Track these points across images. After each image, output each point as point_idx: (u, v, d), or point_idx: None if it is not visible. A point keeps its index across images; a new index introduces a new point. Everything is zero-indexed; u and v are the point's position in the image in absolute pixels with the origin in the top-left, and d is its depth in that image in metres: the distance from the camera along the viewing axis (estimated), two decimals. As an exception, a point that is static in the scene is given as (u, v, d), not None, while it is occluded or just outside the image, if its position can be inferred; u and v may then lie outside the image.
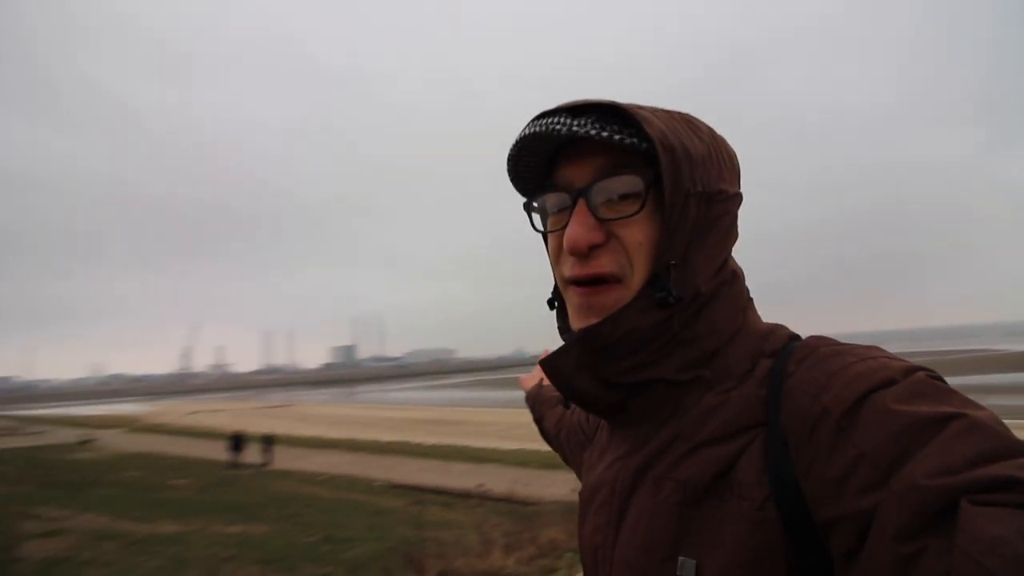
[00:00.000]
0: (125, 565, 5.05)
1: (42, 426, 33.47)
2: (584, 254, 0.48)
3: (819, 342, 0.47)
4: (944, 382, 0.40)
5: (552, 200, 0.53)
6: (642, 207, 0.47)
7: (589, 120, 0.47)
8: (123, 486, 11.97)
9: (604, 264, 0.48)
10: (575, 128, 0.46)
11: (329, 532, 7.09)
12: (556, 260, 0.54)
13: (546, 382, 1.14)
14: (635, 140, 0.46)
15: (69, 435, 25.92)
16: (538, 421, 1.10)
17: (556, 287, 0.57)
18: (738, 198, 0.53)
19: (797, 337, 0.52)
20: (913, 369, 0.40)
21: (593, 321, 0.48)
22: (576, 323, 0.51)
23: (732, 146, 0.55)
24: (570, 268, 0.50)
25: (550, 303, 0.59)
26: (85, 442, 22.98)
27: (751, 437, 0.44)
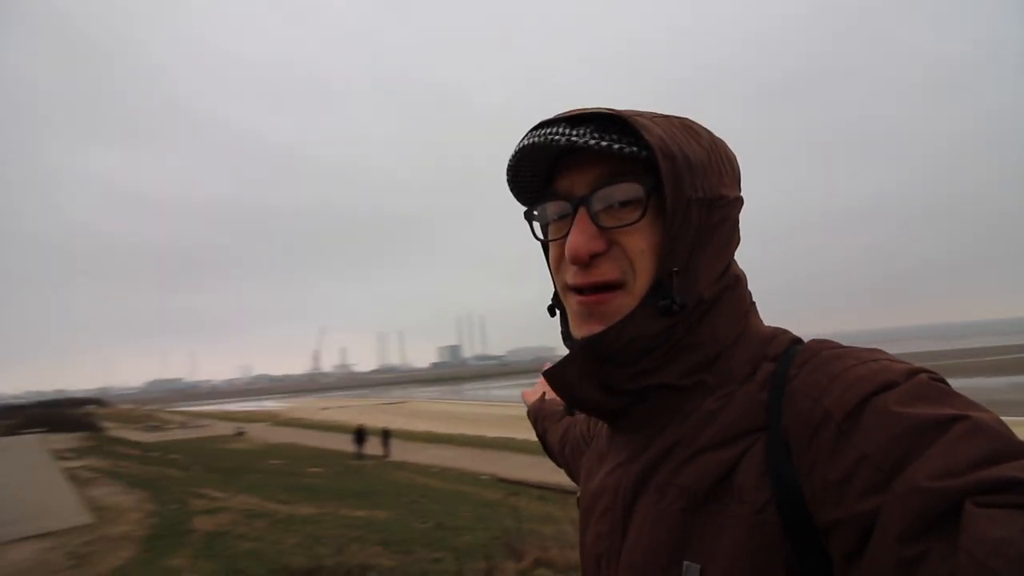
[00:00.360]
0: (272, 540, 5.81)
1: (205, 420, 39.01)
2: (586, 262, 0.48)
3: (821, 345, 0.47)
4: (947, 384, 0.39)
5: (552, 209, 0.53)
6: (643, 214, 0.47)
7: (588, 129, 0.47)
8: (269, 472, 13.66)
9: (606, 272, 0.48)
10: (574, 138, 0.46)
11: (441, 520, 7.56)
12: (557, 268, 0.54)
13: (549, 395, 1.12)
14: (634, 148, 0.46)
15: (226, 428, 29.98)
16: (541, 436, 1.07)
17: (556, 294, 0.58)
18: (739, 202, 0.52)
19: (800, 341, 0.50)
20: (915, 371, 0.39)
21: (596, 329, 0.48)
22: (578, 331, 0.51)
23: (732, 150, 0.54)
24: (572, 276, 0.50)
25: (550, 310, 0.59)
26: (238, 434, 26.47)
27: (752, 441, 0.43)
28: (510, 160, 0.53)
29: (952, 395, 0.37)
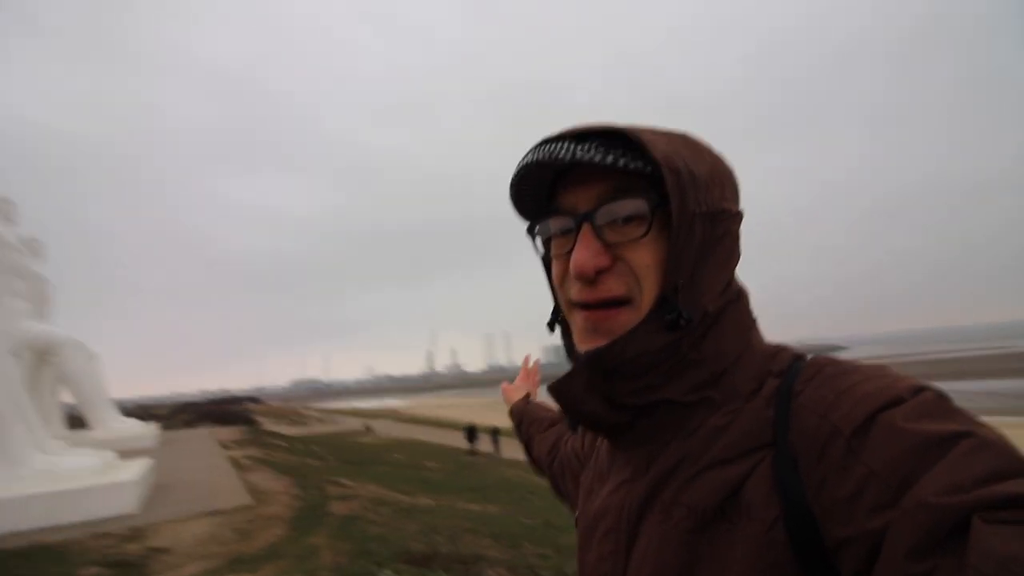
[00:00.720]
0: (395, 526, 6.35)
1: (338, 417, 43.05)
2: (591, 278, 0.48)
3: (826, 361, 0.46)
4: (951, 401, 0.39)
5: (555, 224, 0.52)
6: (648, 229, 0.47)
7: (592, 145, 0.46)
8: (392, 465, 14.79)
9: (612, 288, 0.48)
10: (579, 154, 0.46)
11: (547, 518, 7.70)
12: (560, 284, 0.53)
13: (534, 398, 1.10)
14: (639, 164, 0.46)
15: (355, 424, 32.90)
16: (525, 443, 1.02)
17: (555, 310, 0.58)
18: (739, 216, 0.52)
19: (802, 357, 0.50)
20: (920, 388, 0.39)
21: (601, 343, 0.48)
22: (583, 345, 0.51)
23: (730, 164, 0.54)
24: (577, 292, 0.50)
25: (550, 326, 0.59)
26: (366, 430, 28.93)
27: (759, 457, 0.43)
28: (513, 176, 0.52)
29: (957, 412, 0.37)
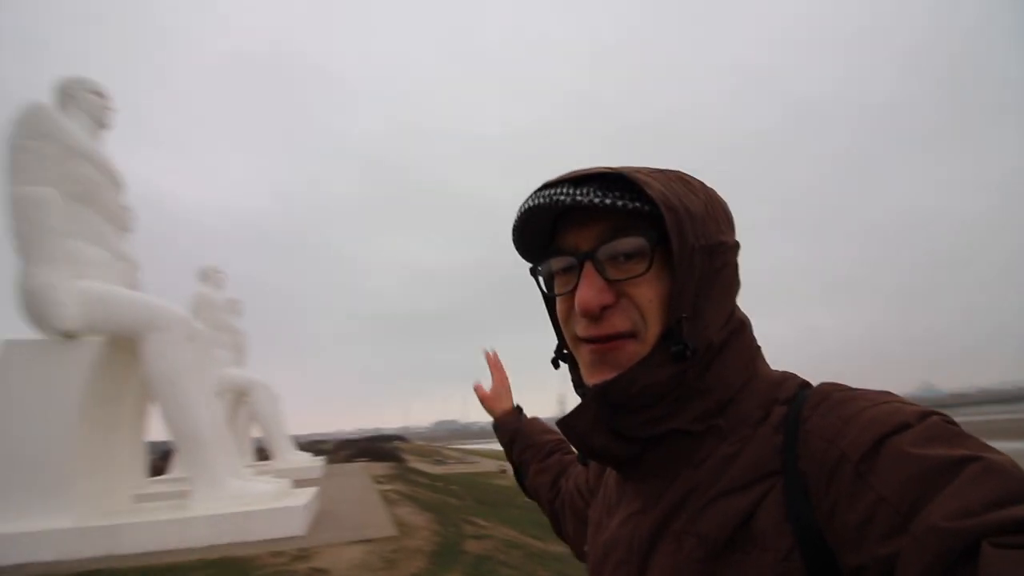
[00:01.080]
0: (526, 570, 6.36)
1: (475, 457, 44.41)
2: (596, 315, 0.50)
3: (832, 388, 0.47)
4: (957, 426, 0.39)
5: (558, 264, 0.55)
6: (650, 266, 0.49)
7: (591, 189, 0.49)
8: (524, 508, 14.79)
9: (617, 324, 0.50)
10: (579, 198, 0.48)
11: None
12: (565, 321, 0.56)
13: (531, 414, 1.06)
14: (637, 204, 0.48)
15: (490, 465, 33.59)
16: (517, 466, 0.97)
17: (559, 346, 0.61)
18: (736, 247, 0.54)
19: (808, 384, 0.51)
20: (927, 414, 0.39)
21: (608, 376, 0.49)
22: (590, 378, 0.52)
23: (723, 197, 0.56)
24: (583, 328, 0.52)
25: (554, 362, 0.61)
26: (500, 471, 29.41)
27: (769, 485, 0.43)
28: (516, 221, 0.55)
29: (964, 437, 0.37)
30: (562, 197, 0.49)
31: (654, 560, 0.48)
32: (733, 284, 0.53)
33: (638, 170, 0.50)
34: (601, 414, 0.50)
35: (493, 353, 1.13)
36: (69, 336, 7.27)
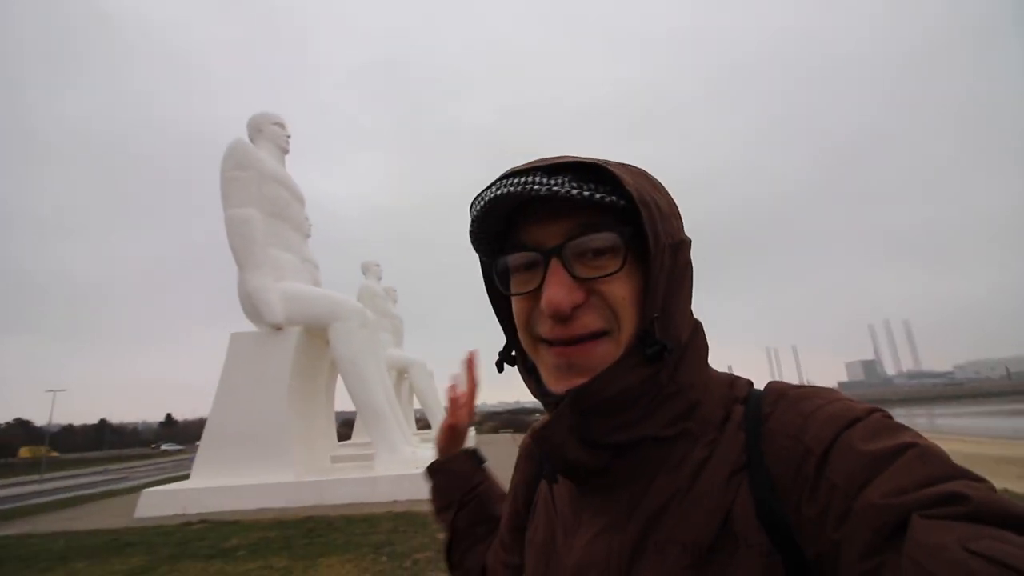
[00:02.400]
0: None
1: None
2: (567, 316, 0.46)
3: (785, 386, 0.48)
4: (894, 420, 0.42)
5: (519, 260, 0.50)
6: (624, 263, 0.46)
7: (566, 179, 0.45)
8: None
9: (588, 324, 0.46)
10: (554, 188, 0.45)
11: None
12: (525, 322, 0.50)
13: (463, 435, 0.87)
14: (614, 198, 0.45)
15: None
16: (455, 536, 0.78)
17: (507, 347, 0.56)
18: (690, 244, 0.52)
19: (752, 382, 0.52)
20: (873, 410, 0.42)
21: (578, 382, 0.46)
22: (557, 385, 0.48)
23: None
24: (550, 330, 0.47)
25: (499, 365, 0.57)
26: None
27: (738, 482, 0.43)
28: (478, 210, 0.49)
29: (904, 429, 0.40)
30: (536, 187, 0.45)
31: (638, 574, 0.44)
32: (691, 282, 0.52)
33: (608, 162, 0.47)
34: (574, 422, 0.46)
35: (470, 356, 0.86)
36: (277, 328, 8.96)
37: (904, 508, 0.33)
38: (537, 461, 0.64)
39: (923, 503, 0.33)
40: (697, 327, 0.52)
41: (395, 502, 7.59)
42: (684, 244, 0.50)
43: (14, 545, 6.44)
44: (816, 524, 0.38)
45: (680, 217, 0.52)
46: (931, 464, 0.36)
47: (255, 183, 9.35)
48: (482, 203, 0.49)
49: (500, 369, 0.57)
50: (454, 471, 0.83)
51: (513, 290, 0.51)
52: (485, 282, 0.57)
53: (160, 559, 5.00)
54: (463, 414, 0.86)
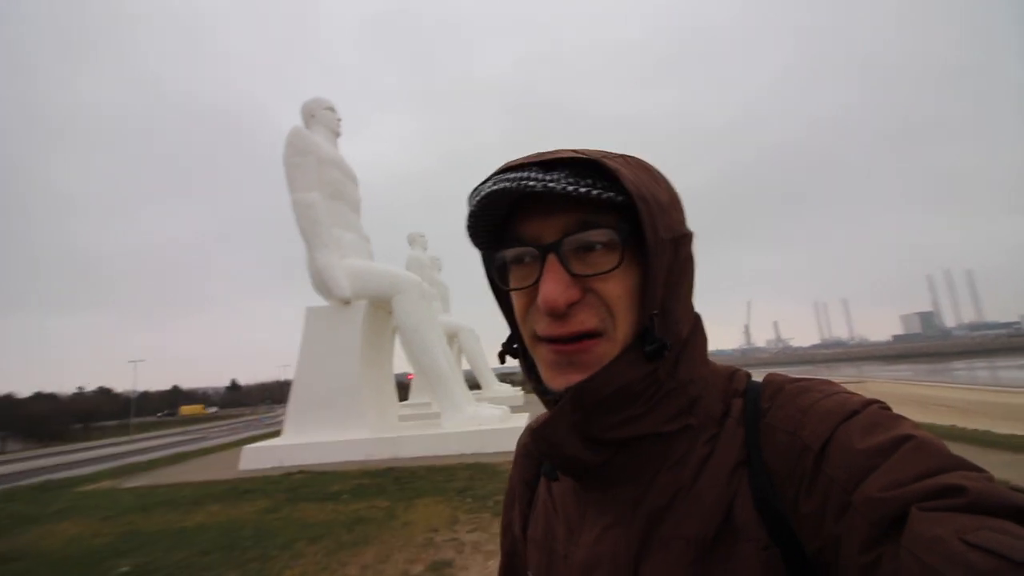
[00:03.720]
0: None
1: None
2: (563, 312, 0.45)
3: (783, 379, 0.49)
4: (892, 411, 0.42)
5: (516, 255, 0.49)
6: (621, 260, 0.45)
7: (562, 175, 0.45)
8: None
9: (584, 321, 0.46)
10: (550, 184, 0.44)
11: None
12: (523, 318, 0.50)
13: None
14: (611, 194, 0.45)
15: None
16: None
17: (510, 341, 0.56)
18: (692, 237, 0.51)
19: (750, 375, 0.52)
20: (870, 402, 0.42)
21: (576, 379, 0.46)
22: (555, 382, 0.48)
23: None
24: (546, 327, 0.47)
25: (501, 356, 0.57)
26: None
27: (739, 477, 0.44)
28: (475, 205, 0.49)
29: (901, 420, 0.40)
30: (532, 183, 0.45)
31: (645, 571, 0.45)
32: (693, 276, 0.52)
33: (607, 155, 0.47)
34: (575, 419, 0.46)
35: None
36: (345, 302, 9.77)
37: (902, 501, 0.34)
38: (535, 459, 0.63)
39: (921, 495, 0.33)
40: (697, 321, 0.52)
41: (462, 455, 8.37)
42: (686, 238, 0.50)
43: (149, 493, 7.63)
44: (815, 519, 0.38)
45: (682, 210, 0.51)
46: (928, 456, 0.36)
47: (315, 168, 10.00)
48: (478, 198, 0.48)
49: (502, 360, 0.58)
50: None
51: (512, 285, 0.51)
52: (487, 274, 0.56)
53: (280, 502, 5.92)
54: None
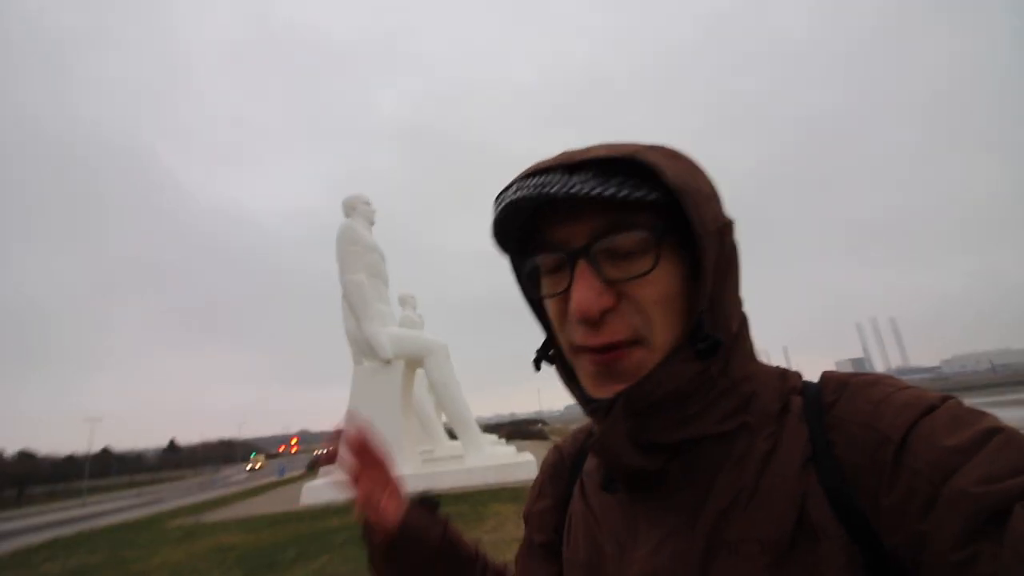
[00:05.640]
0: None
1: (616, 437, 47.45)
2: (596, 320, 0.43)
3: (846, 375, 0.46)
4: (968, 406, 0.40)
5: (546, 261, 0.47)
6: (656, 263, 0.43)
7: (587, 176, 0.42)
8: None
9: (618, 330, 0.43)
10: (573, 189, 0.41)
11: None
12: (560, 326, 0.48)
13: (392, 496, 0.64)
14: (641, 193, 0.42)
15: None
16: None
17: (544, 348, 0.52)
18: (734, 224, 0.48)
19: (802, 375, 0.50)
20: (946, 397, 0.40)
21: (619, 388, 0.44)
22: (598, 391, 0.46)
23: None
24: (581, 336, 0.45)
25: (536, 363, 0.53)
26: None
27: (808, 474, 0.41)
28: (499, 212, 0.47)
29: (983, 414, 0.38)
30: (553, 188, 0.42)
31: None
32: (739, 265, 0.48)
33: (641, 149, 0.44)
34: (628, 426, 0.44)
35: (358, 432, 0.64)
36: (387, 362, 12.14)
37: (1002, 496, 0.32)
38: (566, 480, 0.60)
39: (1019, 492, 0.32)
40: (744, 317, 0.49)
41: (486, 485, 10.61)
42: (728, 226, 0.47)
43: (247, 519, 9.47)
44: (897, 513, 0.36)
45: (720, 197, 0.48)
46: (1021, 450, 0.34)
47: (361, 254, 12.57)
48: (500, 206, 0.46)
49: (538, 368, 0.53)
50: (415, 537, 0.63)
51: (545, 292, 0.49)
52: (516, 279, 0.54)
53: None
54: (389, 505, 0.63)
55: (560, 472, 0.62)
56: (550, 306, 0.49)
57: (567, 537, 0.56)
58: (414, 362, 12.52)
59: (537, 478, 0.65)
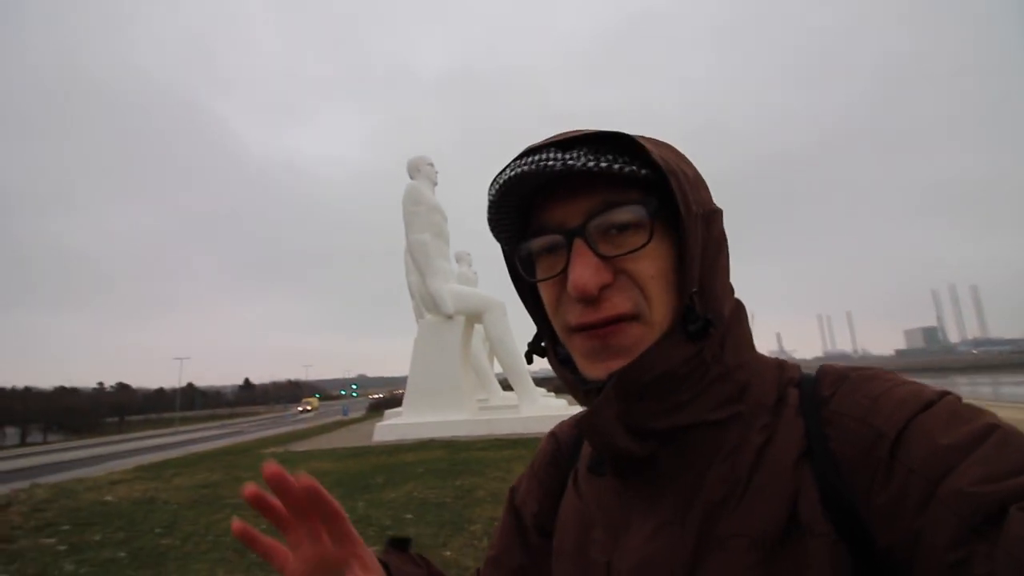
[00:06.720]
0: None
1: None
2: (595, 297, 0.43)
3: (844, 368, 0.46)
4: (966, 402, 0.39)
5: (539, 244, 0.47)
6: (651, 237, 0.43)
7: (581, 152, 0.43)
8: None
9: (618, 304, 0.43)
10: (570, 162, 0.42)
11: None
12: (555, 309, 0.48)
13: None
14: (635, 167, 0.43)
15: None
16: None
17: (536, 339, 0.53)
18: (722, 213, 0.49)
19: (800, 367, 0.49)
20: (944, 392, 0.40)
21: (615, 365, 0.43)
22: (592, 371, 0.45)
23: None
24: (578, 315, 0.45)
25: (527, 356, 0.54)
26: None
27: (803, 469, 0.41)
28: (494, 195, 0.47)
29: (980, 411, 0.38)
30: (551, 163, 0.43)
31: (704, 573, 0.41)
32: (728, 254, 0.49)
33: (631, 134, 0.45)
34: (619, 409, 0.44)
35: (306, 483, 0.46)
36: (449, 317, 13.01)
37: (998, 497, 0.31)
38: (563, 467, 0.60)
39: (1016, 493, 0.31)
40: (739, 306, 0.49)
41: (538, 434, 11.35)
42: (716, 214, 0.47)
43: (320, 454, 10.72)
44: (891, 511, 0.36)
45: (708, 188, 0.49)
46: (1017, 449, 0.34)
47: (425, 214, 13.26)
48: (498, 186, 0.46)
49: (530, 361, 0.55)
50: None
51: (539, 276, 0.49)
52: (509, 270, 0.54)
53: (450, 451, 8.98)
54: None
55: (558, 459, 0.61)
56: (545, 290, 0.49)
57: (558, 530, 0.56)
58: (473, 317, 13.33)
59: (530, 465, 0.64)
